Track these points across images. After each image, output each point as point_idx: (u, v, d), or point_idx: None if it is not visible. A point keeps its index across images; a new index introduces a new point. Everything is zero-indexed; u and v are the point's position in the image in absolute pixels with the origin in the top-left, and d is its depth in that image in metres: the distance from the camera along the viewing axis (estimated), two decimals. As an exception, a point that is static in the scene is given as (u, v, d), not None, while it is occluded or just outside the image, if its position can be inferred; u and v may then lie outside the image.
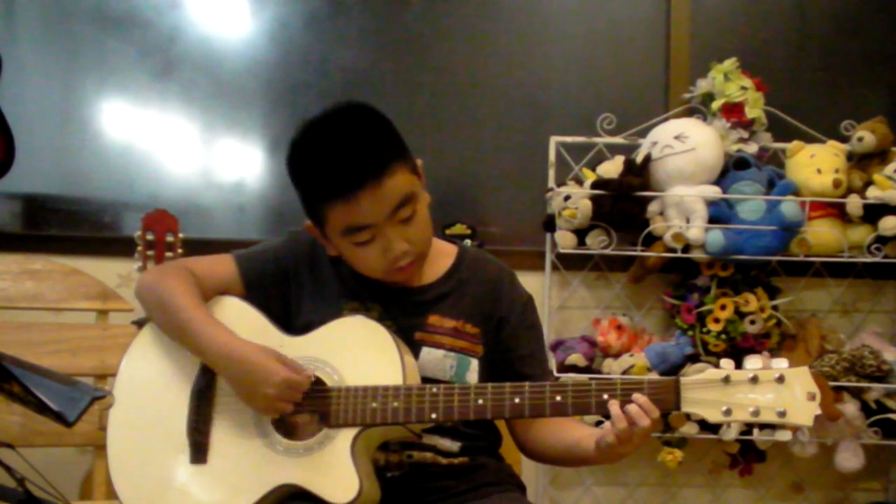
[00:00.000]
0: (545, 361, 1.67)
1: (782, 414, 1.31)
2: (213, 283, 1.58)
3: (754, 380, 1.33)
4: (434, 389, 1.43)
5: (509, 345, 1.59)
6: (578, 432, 1.53)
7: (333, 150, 1.44)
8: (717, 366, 1.37)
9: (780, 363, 1.34)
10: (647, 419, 1.34)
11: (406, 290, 1.57)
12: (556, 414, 1.42)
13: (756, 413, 1.32)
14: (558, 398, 1.40)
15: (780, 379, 1.32)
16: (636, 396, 1.35)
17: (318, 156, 1.46)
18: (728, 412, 1.33)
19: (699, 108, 2.69)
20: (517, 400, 1.41)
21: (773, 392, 1.32)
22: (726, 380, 1.34)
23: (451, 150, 2.88)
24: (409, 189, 1.46)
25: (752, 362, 1.34)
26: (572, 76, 2.93)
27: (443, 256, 1.62)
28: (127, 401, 1.55)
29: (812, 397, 1.31)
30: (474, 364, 1.55)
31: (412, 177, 1.49)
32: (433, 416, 1.42)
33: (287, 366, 1.43)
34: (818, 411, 1.31)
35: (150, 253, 2.17)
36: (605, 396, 1.37)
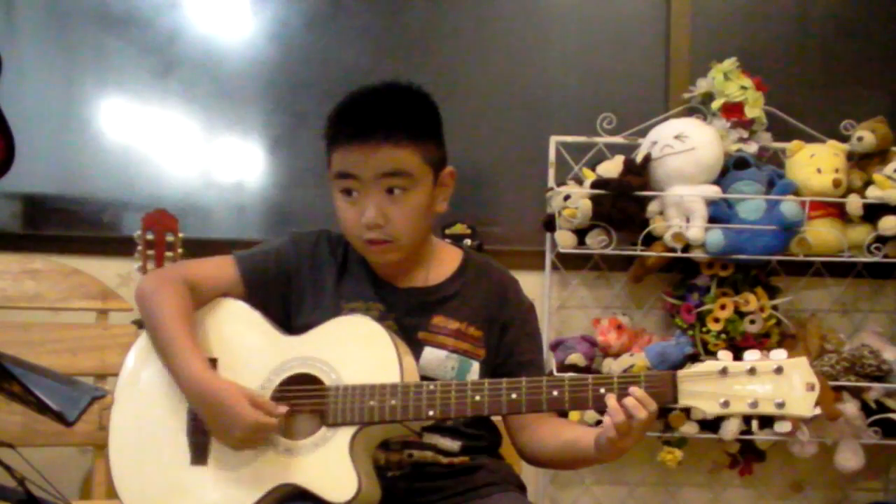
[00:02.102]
0: (543, 369, 1.67)
1: (781, 405, 1.29)
2: (213, 287, 1.58)
3: (752, 371, 1.31)
4: (431, 387, 1.43)
5: (510, 350, 1.60)
6: (576, 431, 1.53)
7: (363, 103, 1.52)
8: (716, 365, 1.36)
9: (779, 354, 1.32)
10: (645, 411, 1.33)
11: (412, 290, 1.58)
12: (553, 409, 1.42)
13: (754, 405, 1.30)
14: (555, 393, 1.39)
15: (779, 370, 1.30)
16: (633, 389, 1.35)
17: (351, 103, 1.53)
18: (726, 404, 1.31)
19: (699, 108, 2.69)
20: (514, 396, 1.41)
21: (771, 383, 1.30)
22: (724, 371, 1.32)
23: (451, 149, 2.84)
24: (408, 168, 1.49)
25: (751, 354, 1.33)
26: (572, 76, 2.93)
27: (449, 259, 1.63)
28: (128, 401, 1.55)
29: (811, 388, 1.29)
30: (475, 367, 1.55)
31: (422, 164, 1.50)
32: (431, 413, 1.42)
33: (259, 407, 1.43)
34: (817, 410, 1.30)
35: (149, 253, 2.17)
36: (602, 391, 1.37)
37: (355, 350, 1.48)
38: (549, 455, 1.57)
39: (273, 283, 1.60)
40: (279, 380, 1.49)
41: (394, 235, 1.51)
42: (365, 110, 1.51)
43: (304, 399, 1.47)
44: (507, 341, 1.59)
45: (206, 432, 1.49)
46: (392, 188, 1.49)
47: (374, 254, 1.55)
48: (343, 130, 1.50)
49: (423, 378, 1.50)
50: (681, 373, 1.35)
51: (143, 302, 1.57)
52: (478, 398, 1.42)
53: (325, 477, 1.41)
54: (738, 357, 1.35)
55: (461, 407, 1.42)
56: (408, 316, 1.56)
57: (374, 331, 1.48)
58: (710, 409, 1.32)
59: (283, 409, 1.44)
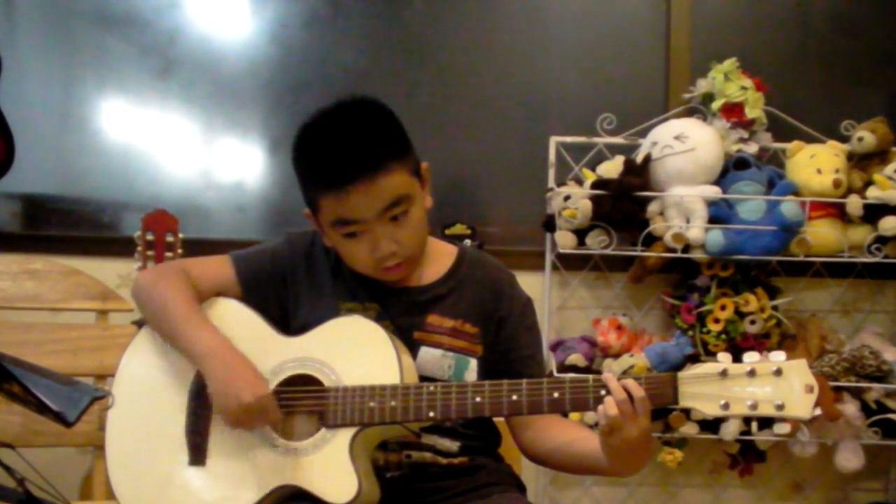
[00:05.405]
0: (543, 363, 1.67)
1: (780, 407, 1.30)
2: (209, 284, 1.58)
3: (752, 373, 1.32)
4: (431, 388, 1.43)
5: (509, 345, 1.59)
6: (580, 432, 1.53)
7: (333, 140, 1.47)
8: (716, 365, 1.36)
9: (778, 356, 1.33)
10: (643, 390, 1.33)
11: (406, 290, 1.58)
12: (554, 410, 1.42)
13: (754, 406, 1.31)
14: (556, 394, 1.40)
15: (778, 372, 1.31)
16: (627, 381, 1.35)
17: (319, 144, 1.49)
18: (726, 406, 1.32)
19: (699, 108, 2.69)
20: (515, 397, 1.41)
21: (770, 385, 1.31)
22: (724, 373, 1.33)
23: (451, 149, 2.87)
24: (404, 190, 1.47)
25: (751, 356, 1.34)
26: (572, 76, 2.93)
27: (443, 256, 1.63)
28: (125, 401, 1.55)
29: (810, 389, 1.30)
30: (473, 364, 1.55)
31: (411, 178, 1.49)
32: (431, 414, 1.42)
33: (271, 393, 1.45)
34: (817, 410, 1.31)
35: (150, 253, 2.17)
36: (603, 393, 1.37)
37: (355, 351, 1.48)
38: (551, 453, 1.57)
39: (269, 283, 1.60)
40: (277, 380, 1.49)
41: (408, 254, 1.52)
42: (346, 148, 1.45)
43: (304, 400, 1.47)
44: (505, 336, 1.59)
45: (204, 432, 1.49)
46: (396, 216, 1.48)
47: (390, 276, 1.54)
48: (329, 176, 1.45)
49: (421, 378, 1.50)
50: (681, 374, 1.35)
51: (144, 292, 1.57)
52: (478, 399, 1.42)
53: (326, 478, 1.41)
54: (738, 358, 1.35)
55: (461, 408, 1.42)
56: (402, 316, 1.56)
57: (374, 331, 1.48)
58: (711, 410, 1.33)
59: (280, 416, 1.45)
